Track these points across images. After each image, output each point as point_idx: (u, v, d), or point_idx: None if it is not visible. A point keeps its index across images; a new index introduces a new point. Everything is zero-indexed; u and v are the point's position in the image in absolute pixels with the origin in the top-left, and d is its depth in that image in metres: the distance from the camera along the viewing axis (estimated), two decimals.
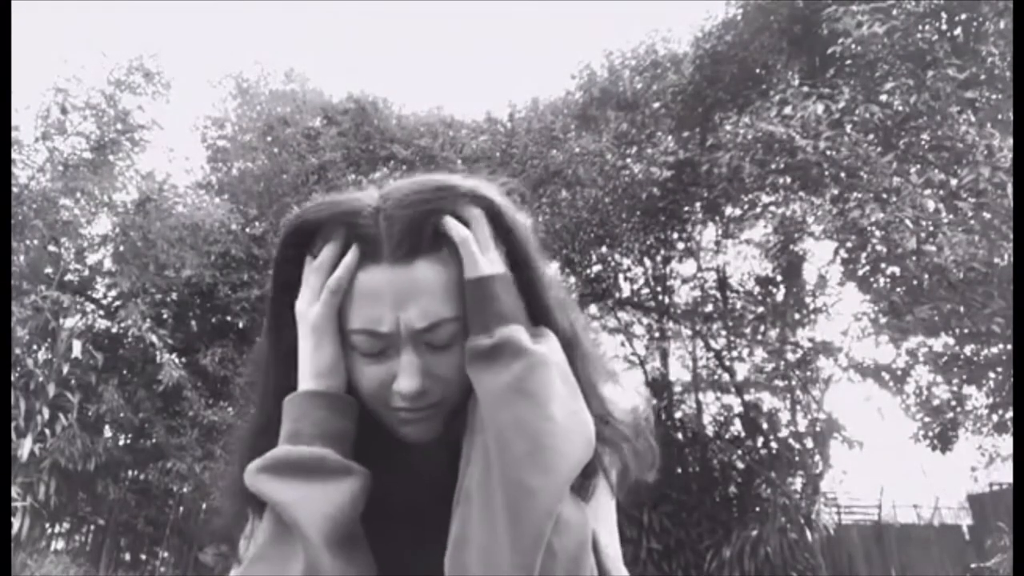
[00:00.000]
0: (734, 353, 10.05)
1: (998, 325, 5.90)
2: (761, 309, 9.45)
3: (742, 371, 10.07)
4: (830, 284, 9.25)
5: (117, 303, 8.61)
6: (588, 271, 10.48)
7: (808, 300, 9.55)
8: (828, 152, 6.51)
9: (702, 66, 9.09)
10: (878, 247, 6.88)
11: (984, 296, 5.96)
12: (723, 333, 10.16)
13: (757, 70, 8.84)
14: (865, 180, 6.53)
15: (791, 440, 9.15)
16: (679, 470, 9.67)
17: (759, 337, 9.51)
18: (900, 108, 6.91)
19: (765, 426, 9.47)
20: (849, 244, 7.52)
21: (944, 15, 7.26)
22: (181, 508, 8.83)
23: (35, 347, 7.46)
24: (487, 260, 0.65)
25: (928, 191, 6.45)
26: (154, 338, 7.66)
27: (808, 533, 8.48)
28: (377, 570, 0.64)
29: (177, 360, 8.24)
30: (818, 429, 8.87)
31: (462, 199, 0.66)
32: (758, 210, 9.47)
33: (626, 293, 10.87)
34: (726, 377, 10.16)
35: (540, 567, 0.56)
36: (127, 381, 8.42)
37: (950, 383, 8.07)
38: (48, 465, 6.91)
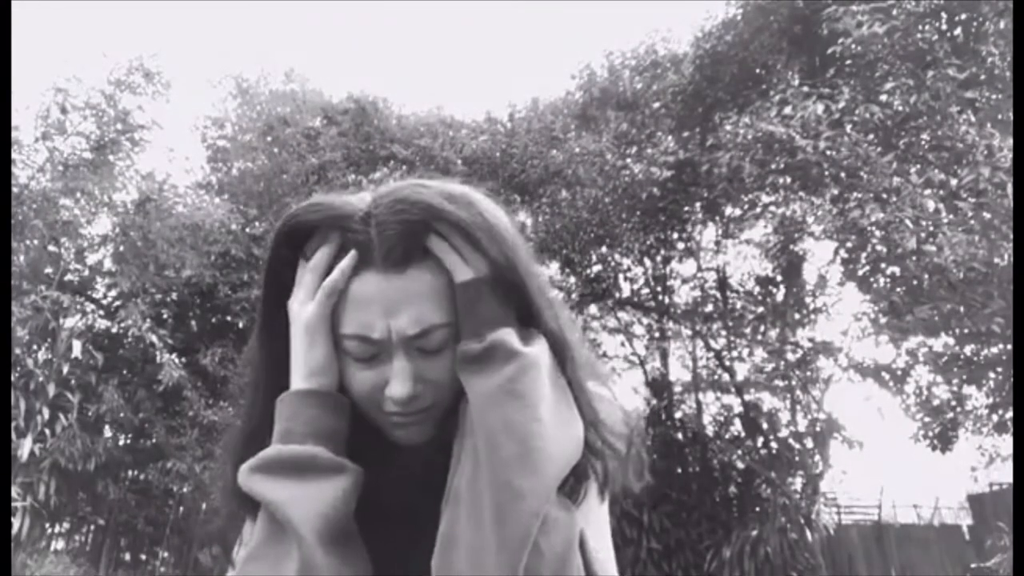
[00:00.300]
0: (734, 353, 10.05)
1: (998, 325, 5.90)
2: (761, 309, 9.45)
3: (742, 371, 10.08)
4: (830, 284, 9.25)
5: (117, 303, 8.61)
6: (588, 271, 10.47)
7: (808, 300, 9.55)
8: (828, 152, 6.51)
9: (702, 66, 9.09)
10: (878, 247, 6.88)
11: (984, 296, 5.96)
12: (723, 333, 10.16)
13: (757, 70, 8.84)
14: (865, 180, 6.53)
15: (791, 440, 9.15)
16: (679, 470, 9.67)
17: (759, 337, 9.52)
18: (900, 108, 6.90)
19: (765, 426, 9.47)
20: (849, 244, 7.52)
21: (944, 15, 7.26)
22: (181, 508, 8.83)
23: (35, 347, 7.46)
24: (473, 266, 0.66)
25: (928, 191, 6.45)
26: (154, 338, 7.66)
27: (808, 533, 8.48)
28: (372, 568, 0.65)
29: (177, 360, 8.24)
30: (818, 429, 8.87)
31: (448, 207, 0.67)
32: (758, 210, 9.47)
33: (626, 293, 10.87)
34: (726, 377, 10.16)
35: (527, 566, 0.56)
36: (127, 381, 8.42)
37: (950, 383, 8.07)
38: (48, 465, 6.91)
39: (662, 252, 10.30)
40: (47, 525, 7.55)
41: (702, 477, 9.59)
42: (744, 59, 8.69)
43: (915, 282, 6.58)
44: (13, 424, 6.58)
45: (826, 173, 6.80)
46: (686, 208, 9.38)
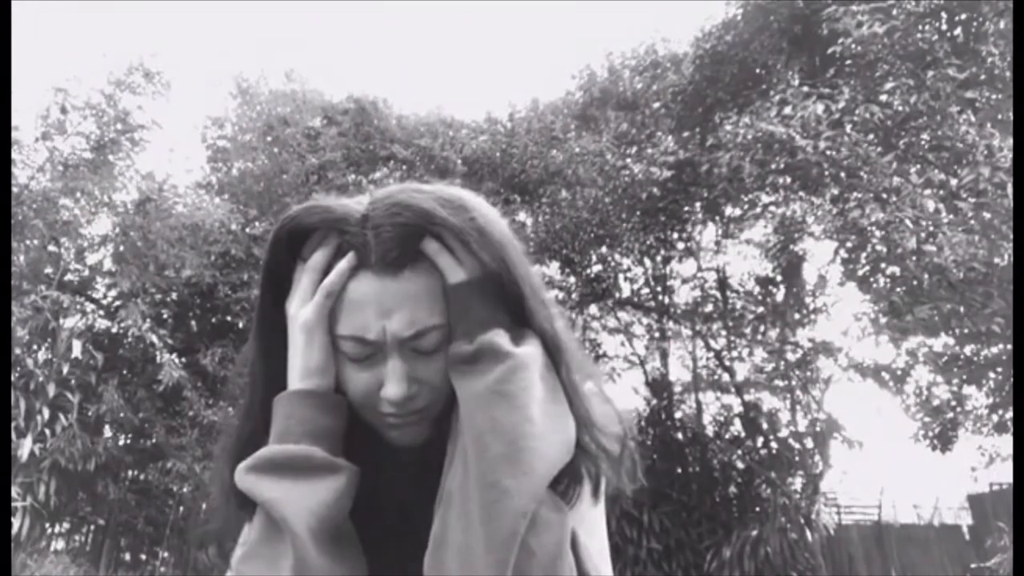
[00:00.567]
0: (734, 353, 10.05)
1: (998, 325, 5.90)
2: (761, 309, 9.46)
3: (742, 371, 10.08)
4: (830, 284, 9.26)
5: (117, 303, 8.61)
6: (588, 271, 10.47)
7: (808, 300, 9.56)
8: (828, 152, 6.51)
9: (702, 66, 9.09)
10: (878, 247, 6.88)
11: (984, 296, 5.96)
12: (723, 333, 10.16)
13: (757, 70, 8.84)
14: (865, 180, 6.53)
15: (791, 440, 9.15)
16: (679, 470, 9.67)
17: (759, 337, 9.52)
18: (900, 108, 6.90)
19: (765, 426, 9.46)
20: (849, 244, 7.52)
21: (944, 15, 7.26)
22: (181, 508, 8.82)
23: (35, 347, 7.46)
24: (466, 268, 0.67)
25: (928, 191, 6.45)
26: (154, 338, 7.65)
27: (808, 533, 8.47)
28: (367, 568, 0.65)
29: (177, 360, 8.23)
30: (818, 429, 8.87)
31: (440, 211, 0.67)
32: (758, 210, 9.48)
33: (626, 293, 10.87)
34: (726, 377, 10.16)
35: (517, 566, 0.56)
36: (127, 381, 8.42)
37: (950, 383, 8.07)
38: (48, 465, 6.90)
39: (662, 252, 10.29)
40: (47, 525, 7.54)
41: (702, 477, 9.58)
42: (744, 59, 8.69)
43: (915, 282, 6.57)
44: (13, 424, 6.57)
45: (826, 173, 6.80)
46: (686, 208, 9.38)
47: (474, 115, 11.72)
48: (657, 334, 11.25)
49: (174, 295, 9.36)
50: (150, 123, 8.26)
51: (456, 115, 11.53)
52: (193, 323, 9.57)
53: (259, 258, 8.89)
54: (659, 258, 10.42)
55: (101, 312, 9.03)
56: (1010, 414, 7.69)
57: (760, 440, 9.53)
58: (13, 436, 6.54)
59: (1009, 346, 6.55)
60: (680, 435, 10.02)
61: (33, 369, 7.00)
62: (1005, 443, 8.85)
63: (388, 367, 0.67)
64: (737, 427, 9.98)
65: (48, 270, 8.01)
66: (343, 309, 0.68)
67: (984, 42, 7.00)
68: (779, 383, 9.46)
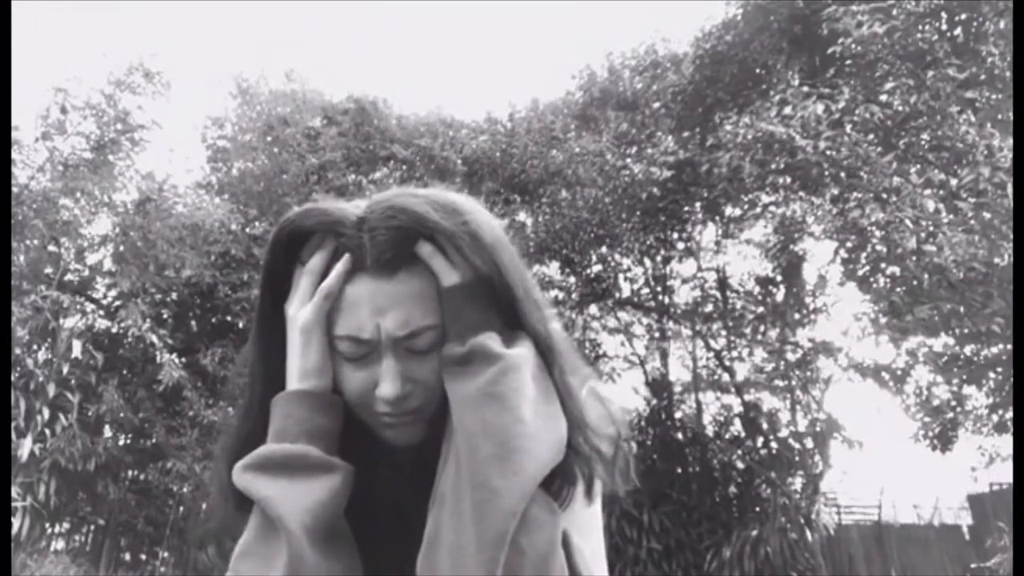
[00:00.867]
0: (734, 353, 10.06)
1: (998, 325, 5.90)
2: (761, 309, 9.46)
3: (742, 371, 10.08)
4: (830, 284, 9.26)
5: (117, 303, 8.60)
6: (588, 271, 10.47)
7: (808, 300, 9.56)
8: (828, 152, 6.51)
9: (702, 66, 9.09)
10: (878, 247, 6.88)
11: (984, 296, 5.96)
12: (723, 333, 10.16)
13: (757, 70, 8.84)
14: (865, 180, 6.53)
15: (791, 440, 9.15)
16: (679, 470, 9.66)
17: (759, 337, 9.52)
18: (900, 108, 6.90)
19: (765, 426, 9.46)
20: (849, 244, 7.52)
21: (944, 15, 7.26)
22: (181, 508, 8.82)
23: (35, 347, 7.46)
24: (459, 271, 0.68)
25: (928, 191, 6.45)
26: (154, 338, 7.65)
27: (808, 533, 8.47)
28: (363, 567, 0.66)
29: (177, 360, 8.24)
30: (818, 429, 8.87)
31: (433, 215, 0.69)
32: (758, 210, 9.48)
33: (626, 293, 10.87)
34: (726, 377, 10.16)
35: (508, 565, 0.57)
36: (127, 381, 8.42)
37: (950, 383, 8.07)
38: (48, 465, 6.90)
39: (662, 252, 10.29)
40: (47, 525, 7.54)
41: (702, 477, 9.58)
42: (744, 59, 8.69)
43: (915, 282, 6.57)
44: (13, 424, 6.57)
45: (826, 173, 6.79)
46: (686, 208, 9.38)
47: (474, 115, 11.75)
48: (657, 334, 11.25)
49: (174, 295, 9.36)
50: (150, 123, 8.27)
51: (456, 115, 11.54)
52: (193, 323, 9.57)
53: (259, 258, 8.91)
54: (659, 258, 10.42)
55: (101, 312, 9.03)
56: (1010, 414, 7.69)
57: (760, 440, 9.53)
58: (13, 436, 6.54)
59: (1009, 346, 6.55)
60: (680, 435, 10.02)
61: (33, 369, 7.00)
62: (1005, 443, 8.85)
63: (383, 366, 0.68)
64: (737, 427, 9.98)
65: (48, 270, 8.01)
66: (340, 310, 0.69)
67: (984, 42, 7.00)
68: (779, 383, 9.46)
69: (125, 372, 8.61)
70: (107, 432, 8.18)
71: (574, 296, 10.61)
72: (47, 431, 6.96)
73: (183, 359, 8.62)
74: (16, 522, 6.63)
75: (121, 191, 8.37)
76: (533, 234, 9.87)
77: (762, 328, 9.49)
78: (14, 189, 7.30)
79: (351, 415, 0.72)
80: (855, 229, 6.61)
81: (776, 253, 9.01)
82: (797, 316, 9.40)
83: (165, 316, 9.32)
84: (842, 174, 6.75)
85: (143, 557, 8.95)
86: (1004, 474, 9.70)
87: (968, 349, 7.49)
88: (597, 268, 10.53)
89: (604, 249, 10.08)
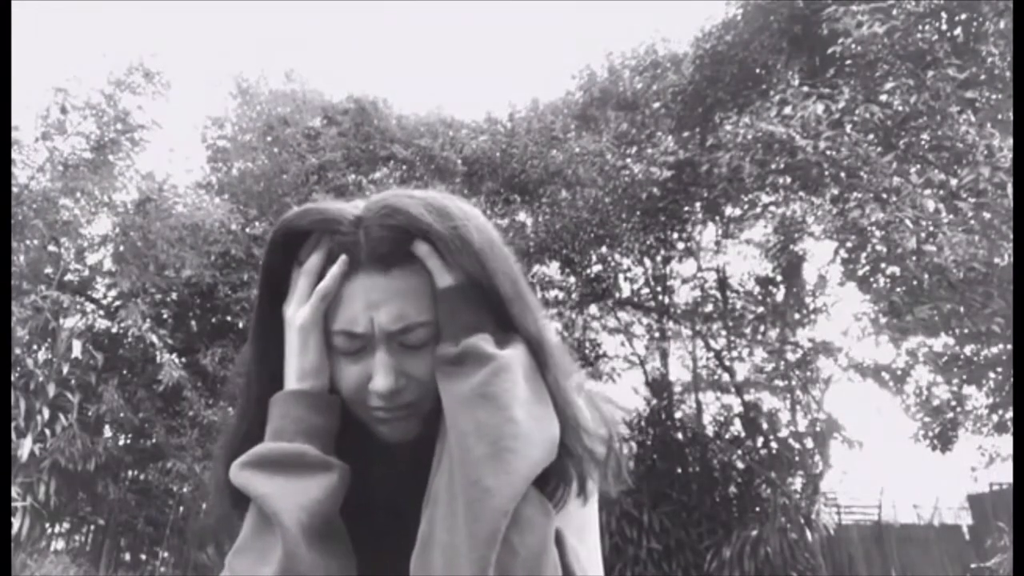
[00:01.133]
0: (734, 353, 10.06)
1: (998, 325, 5.90)
2: (761, 309, 9.46)
3: (742, 371, 10.08)
4: (830, 284, 9.26)
5: (117, 303, 8.60)
6: (588, 271, 10.47)
7: (808, 300, 9.56)
8: (828, 152, 6.51)
9: (702, 66, 9.09)
10: (878, 247, 6.88)
11: (984, 296, 5.96)
12: (723, 333, 10.16)
13: (757, 70, 8.84)
14: (865, 180, 6.53)
15: (791, 440, 9.15)
16: (679, 470, 9.66)
17: (759, 337, 9.52)
18: (900, 108, 6.90)
19: (765, 426, 9.46)
20: (849, 244, 7.53)
21: (944, 15, 7.26)
22: (181, 508, 8.82)
23: (35, 347, 7.46)
24: (453, 273, 0.69)
25: (928, 191, 6.45)
26: (154, 338, 7.65)
27: (808, 533, 8.47)
28: (359, 567, 0.67)
29: (177, 360, 8.23)
30: (818, 429, 8.87)
31: (427, 217, 0.70)
32: (758, 210, 9.48)
33: (626, 293, 10.87)
34: (726, 377, 10.16)
35: (501, 564, 0.57)
36: (127, 381, 8.41)
37: (950, 383, 8.07)
38: (48, 465, 6.90)
39: (662, 252, 10.30)
40: (47, 525, 7.54)
41: (702, 477, 9.58)
42: (744, 59, 8.69)
43: (915, 282, 6.58)
44: (13, 424, 6.57)
45: (826, 173, 6.80)
46: (686, 208, 9.38)
47: (474, 115, 11.73)
48: (657, 334, 11.25)
49: (174, 295, 9.35)
50: (150, 123, 8.26)
51: (456, 115, 11.54)
52: (193, 323, 9.56)
53: (259, 258, 8.92)
54: (659, 258, 10.42)
55: (101, 312, 9.03)
56: (1010, 414, 7.70)
57: (760, 440, 9.53)
58: (13, 436, 6.54)
59: (1009, 346, 6.55)
60: (680, 435, 10.02)
61: (33, 369, 7.00)
62: (1005, 443, 8.85)
63: (376, 360, 0.69)
64: (737, 427, 9.98)
65: (48, 270, 8.00)
66: (335, 306, 0.70)
67: (984, 42, 7.00)
68: (779, 383, 9.46)
69: (125, 372, 8.60)
70: (107, 432, 8.18)
71: (574, 296, 10.61)
72: (47, 431, 6.96)
73: (183, 359, 8.61)
74: (16, 522, 6.62)
75: (121, 191, 8.37)
76: (533, 234, 9.87)
77: (762, 328, 9.49)
78: (14, 189, 7.30)
79: (348, 415, 0.72)
80: (855, 229, 6.61)
81: (776, 253, 9.02)
82: (797, 316, 9.40)
83: (165, 316, 9.32)
84: (842, 174, 6.75)
85: (143, 557, 8.94)
86: (1004, 474, 9.71)
87: (968, 349, 7.49)
88: (597, 268, 10.53)
89: (604, 249, 10.08)
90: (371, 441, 0.73)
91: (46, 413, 6.91)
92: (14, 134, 7.29)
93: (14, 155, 7.42)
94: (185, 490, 8.46)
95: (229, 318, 9.26)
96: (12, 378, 6.71)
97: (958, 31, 7.31)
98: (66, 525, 8.41)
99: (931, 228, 6.12)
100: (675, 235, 10.10)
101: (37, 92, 9.05)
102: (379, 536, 0.71)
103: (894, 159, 6.65)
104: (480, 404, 0.63)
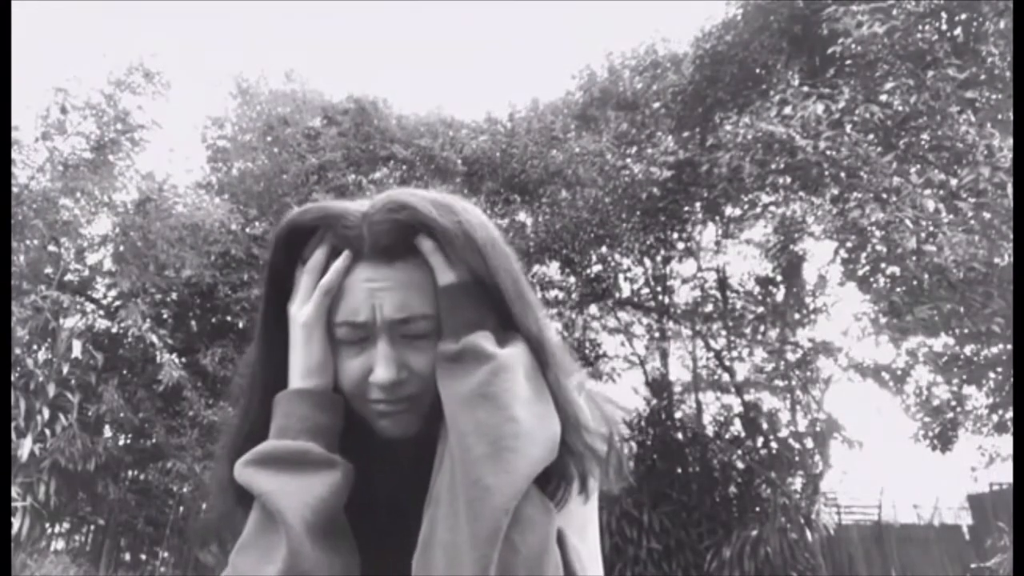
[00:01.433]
0: (734, 353, 10.05)
1: (998, 325, 5.90)
2: (761, 309, 9.45)
3: (742, 371, 10.08)
4: (830, 284, 9.26)
5: (117, 303, 8.60)
6: (588, 271, 10.47)
7: (808, 300, 9.55)
8: (828, 152, 6.50)
9: (702, 66, 9.08)
10: (878, 247, 6.88)
11: (984, 296, 5.96)
12: (723, 333, 10.16)
13: (757, 70, 8.84)
14: (865, 180, 6.53)
15: (791, 440, 9.15)
16: (679, 470, 9.66)
17: (759, 337, 9.52)
18: (900, 108, 6.90)
19: (765, 426, 9.46)
20: (849, 244, 7.52)
21: (944, 15, 7.25)
22: (181, 508, 8.82)
23: (35, 347, 7.45)
24: (455, 270, 0.69)
25: (928, 191, 6.45)
26: (154, 338, 7.65)
27: (808, 533, 8.47)
28: (363, 566, 0.67)
29: (177, 360, 8.23)
30: (818, 429, 8.87)
31: (432, 212, 0.70)
32: (758, 210, 9.48)
33: (626, 293, 10.87)
34: (726, 377, 10.16)
35: (503, 563, 0.58)
36: (127, 381, 8.41)
37: (950, 383, 8.07)
38: (48, 465, 6.90)
39: (662, 252, 10.29)
40: (47, 525, 7.54)
41: (702, 477, 9.58)
42: (744, 59, 8.68)
43: (915, 282, 6.57)
44: (13, 424, 6.57)
45: (826, 173, 6.79)
46: (686, 208, 9.37)
47: (474, 115, 11.74)
48: (657, 334, 11.25)
49: (174, 295, 9.35)
50: (150, 123, 8.26)
51: (456, 115, 11.53)
52: (193, 323, 9.56)
53: (259, 258, 8.94)
54: (659, 258, 10.42)
55: (101, 312, 9.03)
56: (1010, 414, 7.70)
57: (760, 440, 9.53)
58: (13, 436, 6.54)
59: (1009, 346, 6.55)
60: (680, 435, 10.02)
61: (33, 369, 7.00)
62: (1005, 443, 8.85)
63: (378, 350, 0.69)
64: (737, 427, 9.97)
65: (48, 270, 8.00)
66: (339, 299, 0.71)
67: (984, 42, 7.00)
68: (779, 383, 9.45)
69: (125, 372, 8.60)
70: (107, 432, 8.18)
71: (574, 296, 10.61)
72: (47, 431, 6.96)
73: (183, 359, 8.61)
74: (16, 522, 6.62)
75: (121, 191, 8.37)
76: (533, 234, 9.87)
77: (762, 328, 9.48)
78: (14, 189, 7.30)
79: (351, 414, 0.73)
80: (855, 229, 6.61)
81: (776, 253, 9.01)
82: (797, 316, 9.39)
83: (165, 316, 9.31)
84: (842, 174, 6.75)
85: (143, 557, 8.94)
86: (1004, 474, 9.70)
87: (968, 349, 7.49)
88: (597, 268, 10.52)
89: (604, 249, 10.08)
90: (374, 441, 0.73)
91: (46, 413, 6.90)
92: (14, 134, 7.29)
93: (14, 155, 7.42)
94: (185, 490, 8.46)
95: (229, 318, 9.26)
96: (12, 378, 6.71)
97: (958, 31, 7.31)
98: (66, 525, 8.41)
99: (931, 228, 6.12)
100: (675, 235, 10.10)
101: (37, 92, 9.06)
102: (382, 535, 0.71)
103: (894, 159, 6.65)
104: (480, 403, 0.63)
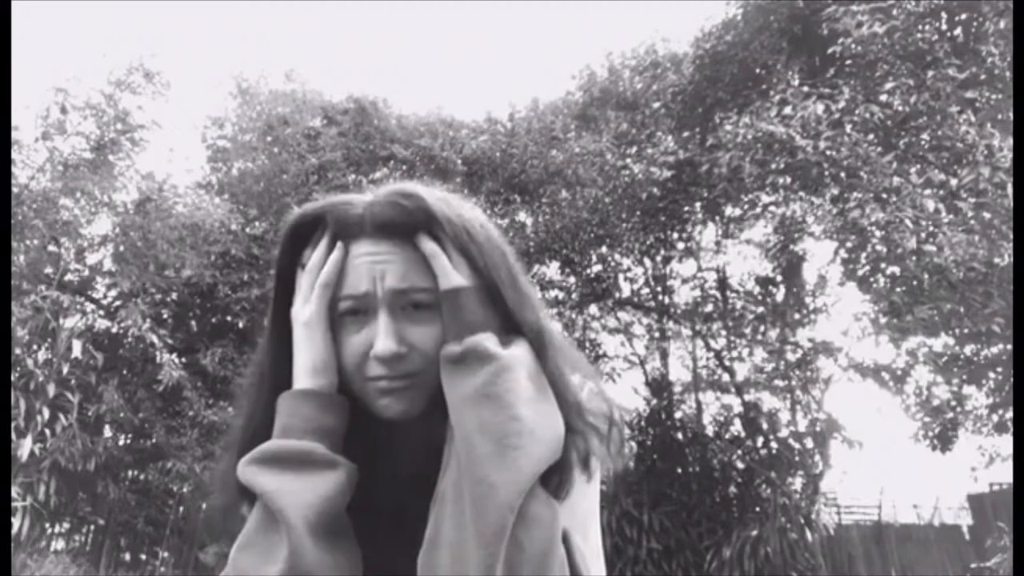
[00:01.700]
0: (734, 353, 10.05)
1: (998, 325, 5.90)
2: (761, 309, 9.45)
3: (742, 371, 10.07)
4: (830, 284, 9.26)
5: (117, 303, 8.60)
6: (588, 271, 10.47)
7: (808, 300, 9.55)
8: (828, 152, 6.51)
9: (702, 66, 9.09)
10: (878, 247, 6.88)
11: (984, 296, 5.96)
12: (723, 333, 10.16)
13: (757, 70, 8.84)
14: (865, 180, 6.53)
15: (791, 440, 9.14)
16: (679, 470, 9.66)
17: (759, 337, 9.51)
18: (900, 108, 6.91)
19: (765, 426, 9.46)
20: (849, 244, 7.53)
21: (944, 15, 7.26)
22: (181, 508, 8.82)
23: (35, 347, 7.45)
24: (458, 274, 0.70)
25: (928, 191, 6.45)
26: (154, 338, 7.64)
27: (808, 533, 8.47)
28: (365, 566, 0.67)
29: (177, 360, 8.22)
30: (818, 429, 8.87)
31: (439, 205, 0.72)
32: (758, 210, 9.47)
33: (626, 293, 10.87)
34: (726, 377, 10.15)
35: (508, 560, 0.58)
36: (127, 381, 8.41)
37: (950, 383, 8.08)
38: (48, 465, 6.90)
39: (662, 252, 10.29)
40: (47, 525, 7.54)
41: (702, 477, 9.58)
42: (744, 59, 8.69)
43: (915, 282, 6.58)
44: (13, 424, 6.57)
45: (826, 173, 6.79)
46: (686, 208, 9.37)
47: (474, 115, 11.74)
48: (657, 334, 11.24)
49: (174, 295, 9.35)
50: (150, 123, 8.25)
51: (456, 115, 11.53)
52: (193, 323, 9.56)
53: (259, 258, 8.95)
54: (659, 258, 10.42)
55: (101, 312, 9.02)
56: (1010, 414, 7.70)
57: (760, 440, 9.52)
58: (13, 436, 6.53)
59: (1009, 346, 6.55)
60: (680, 435, 10.02)
61: (33, 369, 6.99)
62: (1005, 443, 8.86)
63: (379, 322, 0.70)
64: (737, 427, 9.97)
65: (48, 270, 8.00)
66: (341, 281, 0.72)
67: (984, 42, 7.00)
68: (779, 383, 9.45)
69: (125, 372, 8.60)
70: (107, 432, 8.17)
71: (574, 296, 10.60)
72: (47, 431, 6.95)
73: (183, 359, 8.60)
74: (16, 522, 6.62)
75: (121, 191, 8.36)
76: (533, 234, 9.87)
77: (762, 328, 9.48)
78: (14, 189, 7.30)
79: (355, 415, 0.73)
80: (855, 229, 6.61)
81: (776, 253, 9.01)
82: (797, 316, 9.39)
83: (165, 316, 9.31)
84: (842, 174, 6.75)
85: (143, 557, 8.94)
86: (1004, 474, 9.70)
87: (968, 349, 7.50)
88: (597, 268, 10.52)
89: (604, 249, 10.08)
90: (378, 442, 0.74)
91: (46, 413, 6.89)
92: (14, 134, 7.29)
93: (14, 155, 7.42)
94: (185, 490, 8.46)
95: (229, 318, 9.26)
96: (12, 378, 6.71)
97: (958, 31, 7.31)
98: (66, 525, 8.41)
99: (931, 228, 6.12)
100: (675, 235, 10.10)
101: (37, 92, 9.07)
102: (383, 536, 0.71)
103: (894, 159, 6.65)
104: (484, 403, 0.64)
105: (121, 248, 8.41)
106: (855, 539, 10.11)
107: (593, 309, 11.25)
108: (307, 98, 11.33)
